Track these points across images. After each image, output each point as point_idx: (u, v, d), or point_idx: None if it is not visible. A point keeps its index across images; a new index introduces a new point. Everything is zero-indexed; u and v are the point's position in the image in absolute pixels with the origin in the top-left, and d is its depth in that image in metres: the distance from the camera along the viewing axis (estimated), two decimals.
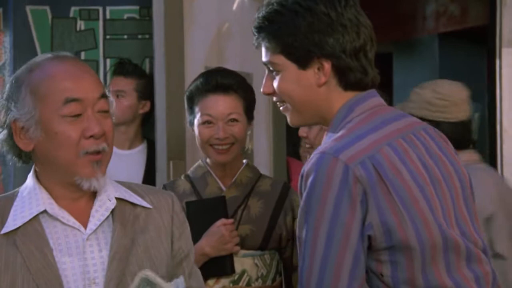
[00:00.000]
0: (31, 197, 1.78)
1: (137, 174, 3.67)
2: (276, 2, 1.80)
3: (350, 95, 1.81)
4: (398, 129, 1.77)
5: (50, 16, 3.91)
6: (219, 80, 2.57)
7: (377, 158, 1.70)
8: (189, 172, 2.70)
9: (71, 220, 1.75)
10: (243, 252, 2.55)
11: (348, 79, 1.79)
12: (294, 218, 2.60)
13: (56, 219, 1.75)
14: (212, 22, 3.83)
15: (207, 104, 2.57)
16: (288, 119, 1.88)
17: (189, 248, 1.90)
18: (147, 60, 3.93)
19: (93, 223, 1.76)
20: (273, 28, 1.79)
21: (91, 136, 1.72)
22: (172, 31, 3.59)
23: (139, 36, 3.95)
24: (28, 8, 3.89)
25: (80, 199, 1.79)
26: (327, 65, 1.77)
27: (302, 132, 2.47)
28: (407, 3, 7.00)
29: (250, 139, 3.68)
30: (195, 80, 2.64)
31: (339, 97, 1.80)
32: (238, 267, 2.53)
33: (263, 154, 3.90)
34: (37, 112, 1.72)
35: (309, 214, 1.68)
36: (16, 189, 1.85)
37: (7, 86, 1.80)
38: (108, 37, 3.96)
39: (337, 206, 1.66)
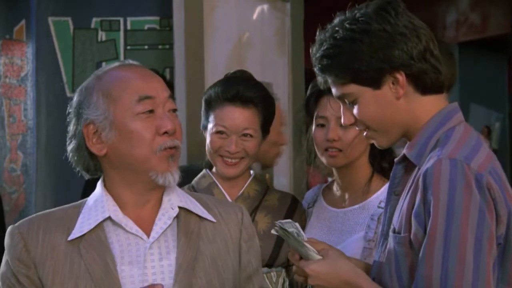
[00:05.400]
0: (97, 204, 1.81)
1: None
2: (329, 38, 1.80)
3: (430, 98, 1.80)
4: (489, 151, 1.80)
5: (72, 27, 3.95)
6: (241, 92, 2.43)
7: (495, 169, 1.72)
8: (193, 182, 2.55)
9: (134, 228, 1.78)
10: None
11: (424, 83, 1.78)
12: None
13: (120, 226, 1.78)
14: (233, 32, 3.85)
15: (223, 115, 2.43)
16: (377, 143, 1.86)
17: (258, 263, 1.90)
18: (167, 70, 3.96)
19: (155, 231, 1.78)
20: (336, 63, 1.79)
21: (165, 133, 1.76)
22: (192, 41, 3.61)
23: (160, 47, 3.98)
24: (50, 20, 3.93)
25: (146, 204, 1.81)
26: (401, 77, 1.76)
27: (335, 135, 2.34)
28: (426, 12, 6.99)
29: None
30: (217, 83, 2.51)
31: (420, 104, 1.79)
32: None
33: (283, 161, 3.90)
34: (110, 113, 1.76)
35: (451, 221, 1.63)
36: (85, 199, 1.87)
37: (75, 96, 1.84)
38: (129, 47, 3.99)
39: (482, 213, 1.63)
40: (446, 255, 1.62)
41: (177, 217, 1.81)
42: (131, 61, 1.87)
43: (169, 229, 1.80)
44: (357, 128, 1.87)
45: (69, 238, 1.75)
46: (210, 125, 2.47)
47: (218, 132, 2.45)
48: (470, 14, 7.43)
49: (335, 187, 2.51)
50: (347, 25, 1.77)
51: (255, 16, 3.97)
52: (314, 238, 1.92)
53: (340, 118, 2.27)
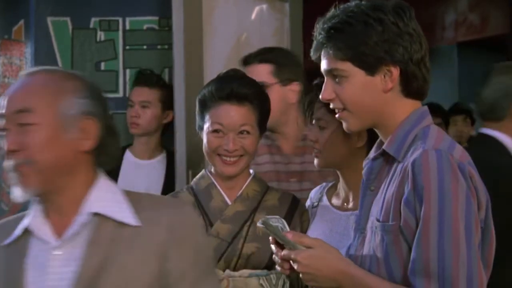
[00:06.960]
0: (31, 210, 1.83)
1: (157, 184, 3.68)
2: (343, 14, 1.87)
3: (410, 102, 1.90)
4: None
5: (70, 27, 3.95)
6: (235, 89, 2.42)
7: (472, 163, 1.83)
8: (192, 183, 2.53)
9: (45, 234, 1.76)
10: (248, 272, 2.37)
11: (411, 87, 1.88)
12: None
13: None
14: (231, 32, 3.84)
15: (219, 113, 2.42)
16: (346, 125, 1.93)
17: (188, 267, 1.76)
18: (166, 71, 3.95)
19: (62, 238, 1.76)
20: (342, 37, 1.85)
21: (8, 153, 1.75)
22: (191, 41, 3.60)
23: (159, 47, 3.97)
24: (49, 19, 3.93)
25: (61, 210, 1.78)
26: (396, 71, 1.85)
27: (312, 136, 2.37)
28: (426, 12, 6.99)
29: None
30: (210, 83, 2.51)
31: (401, 103, 1.89)
32: None
33: None
34: None
35: (443, 206, 1.72)
36: None
37: None
38: (127, 47, 3.98)
39: (469, 198, 1.74)
40: (441, 238, 1.71)
41: (92, 222, 1.76)
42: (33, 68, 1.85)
43: (81, 236, 1.74)
44: (331, 106, 1.92)
45: (2, 244, 1.79)
46: (206, 125, 2.45)
47: (214, 131, 2.43)
48: (469, 14, 7.43)
49: (339, 187, 2.49)
50: (363, 8, 1.86)
51: (254, 17, 3.96)
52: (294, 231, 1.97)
53: (319, 120, 2.30)
